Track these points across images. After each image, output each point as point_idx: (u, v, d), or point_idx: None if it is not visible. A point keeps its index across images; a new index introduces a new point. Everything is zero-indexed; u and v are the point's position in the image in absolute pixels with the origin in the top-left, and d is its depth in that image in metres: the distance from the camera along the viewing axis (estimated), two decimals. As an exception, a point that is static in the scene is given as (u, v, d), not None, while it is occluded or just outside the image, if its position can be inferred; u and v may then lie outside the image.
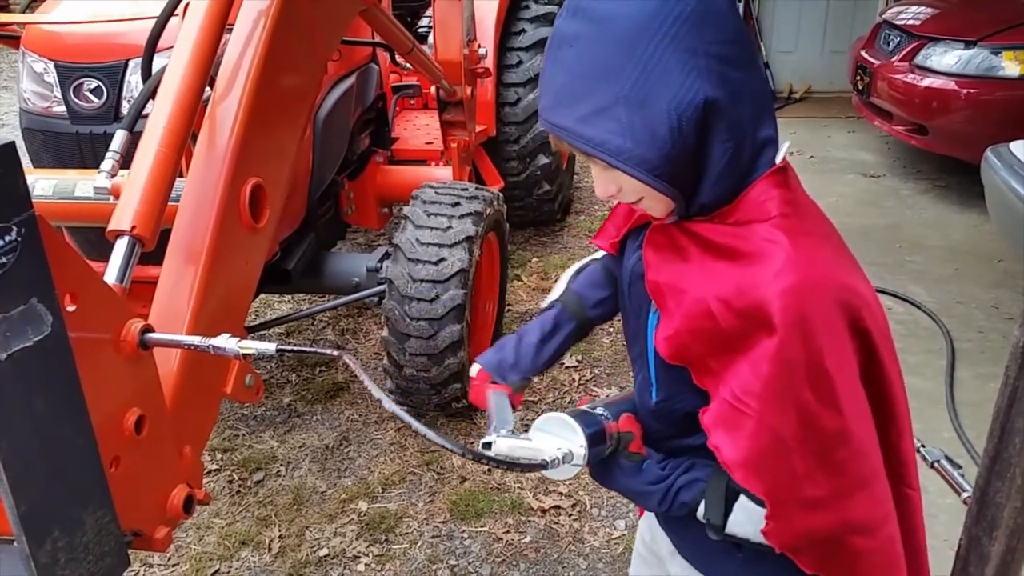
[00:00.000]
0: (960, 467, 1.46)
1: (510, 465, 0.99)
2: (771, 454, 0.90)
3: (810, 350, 0.87)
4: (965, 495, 1.45)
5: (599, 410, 1.10)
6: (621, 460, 1.06)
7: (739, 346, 0.90)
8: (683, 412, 1.04)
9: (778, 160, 0.94)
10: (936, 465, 1.59)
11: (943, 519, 2.23)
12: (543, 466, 0.98)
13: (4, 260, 0.78)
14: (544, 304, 1.36)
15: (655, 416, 1.10)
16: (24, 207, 0.80)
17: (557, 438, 1.02)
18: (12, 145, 0.79)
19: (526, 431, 1.07)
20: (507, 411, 1.14)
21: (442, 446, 0.91)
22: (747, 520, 0.97)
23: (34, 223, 0.81)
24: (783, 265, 0.87)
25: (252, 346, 1.05)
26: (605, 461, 1.07)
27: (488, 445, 1.02)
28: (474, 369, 1.28)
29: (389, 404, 0.91)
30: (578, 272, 1.38)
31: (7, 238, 0.78)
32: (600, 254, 1.38)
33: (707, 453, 0.99)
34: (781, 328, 0.86)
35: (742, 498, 0.96)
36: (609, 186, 0.96)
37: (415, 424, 0.91)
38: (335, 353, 1.03)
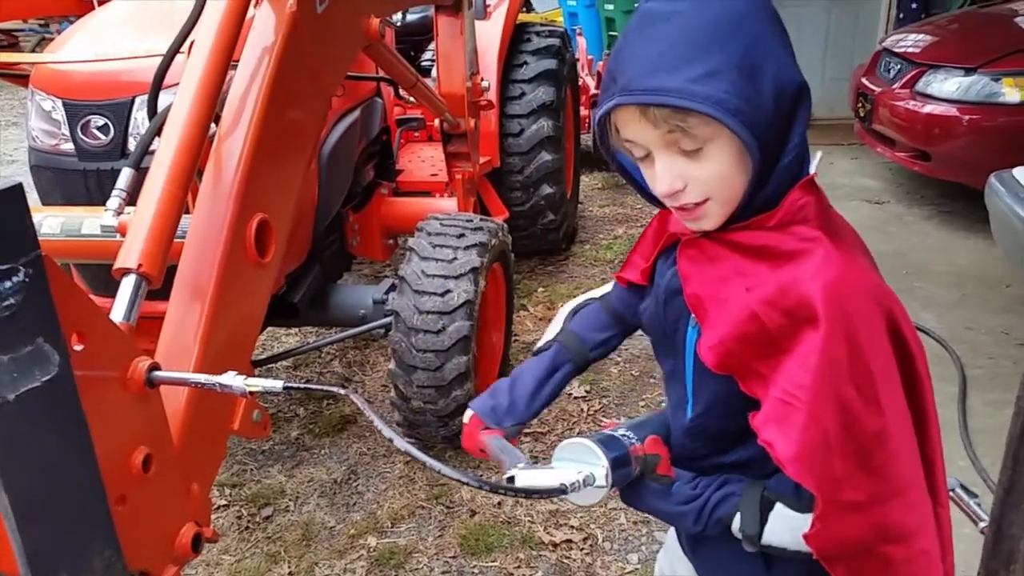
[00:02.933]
0: (976, 496, 1.43)
1: (528, 493, 0.96)
2: (820, 452, 0.89)
3: (852, 345, 0.88)
4: (982, 525, 1.42)
5: (623, 432, 1.07)
6: (650, 483, 1.04)
7: (786, 345, 0.90)
8: (718, 428, 1.04)
9: (811, 170, 0.96)
10: (952, 494, 1.56)
11: (960, 548, 2.18)
12: (562, 491, 0.95)
13: (11, 301, 0.78)
14: (540, 344, 1.33)
15: (690, 434, 1.09)
16: (31, 248, 0.80)
17: (579, 464, 1.00)
18: (20, 187, 0.79)
19: (537, 462, 1.05)
20: (512, 449, 1.11)
21: (456, 480, 0.90)
22: (784, 528, 0.96)
23: (41, 264, 0.81)
24: (824, 261, 0.89)
25: (259, 383, 1.04)
26: (634, 484, 1.05)
27: (512, 479, 0.99)
28: (467, 415, 1.25)
29: (400, 443, 0.91)
30: (575, 311, 1.36)
31: (14, 279, 0.78)
32: (598, 292, 1.37)
33: (741, 470, 0.98)
34: (825, 321, 0.87)
35: (778, 507, 0.96)
36: (677, 181, 0.94)
37: (426, 459, 0.89)
38: (342, 391, 1.02)
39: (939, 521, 1.00)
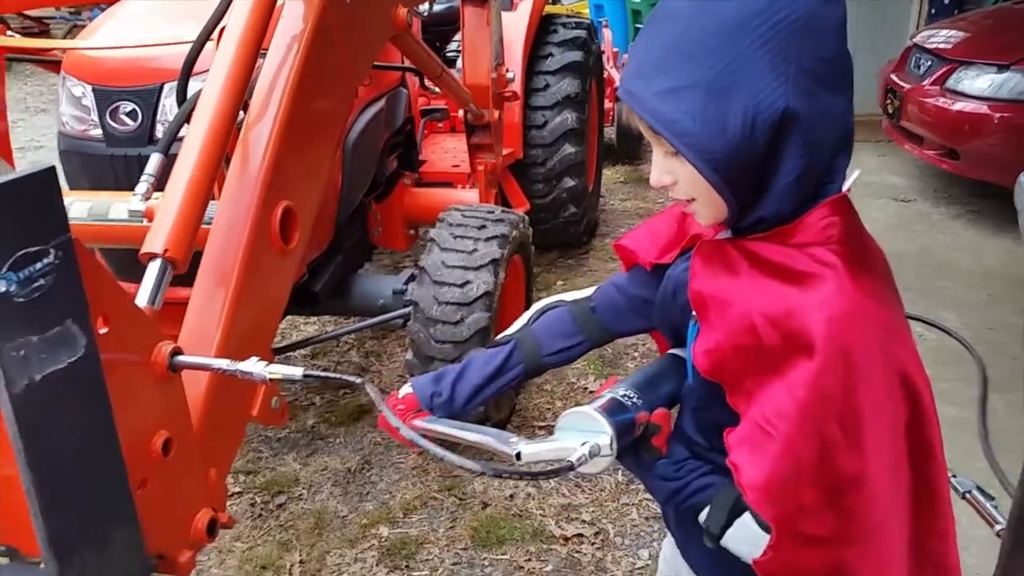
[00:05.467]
0: (993, 498, 1.42)
1: (535, 475, 0.95)
2: (790, 482, 0.88)
3: (846, 384, 0.85)
4: (999, 527, 1.40)
5: (625, 392, 1.04)
6: (640, 451, 1.02)
7: (778, 367, 0.88)
8: (714, 422, 1.02)
9: (844, 188, 0.92)
10: (968, 496, 1.54)
11: (974, 551, 2.15)
12: (570, 467, 0.93)
13: (42, 282, 0.79)
14: (499, 337, 1.30)
15: (694, 421, 1.08)
16: (62, 230, 0.81)
17: (583, 433, 0.97)
18: (52, 170, 0.80)
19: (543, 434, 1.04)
20: (478, 426, 1.08)
21: (462, 467, 0.89)
22: (743, 538, 0.94)
23: (71, 246, 0.82)
24: (835, 291, 0.85)
25: (279, 371, 1.05)
26: (627, 451, 1.03)
27: (519, 455, 0.96)
28: (403, 390, 1.22)
29: (408, 432, 0.91)
30: (541, 312, 1.32)
31: (45, 261, 0.79)
32: (570, 296, 1.33)
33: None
34: (821, 354, 0.84)
35: (746, 516, 0.94)
36: (664, 176, 0.94)
37: (434, 449, 0.90)
38: (358, 381, 1.02)
39: (943, 554, 0.98)
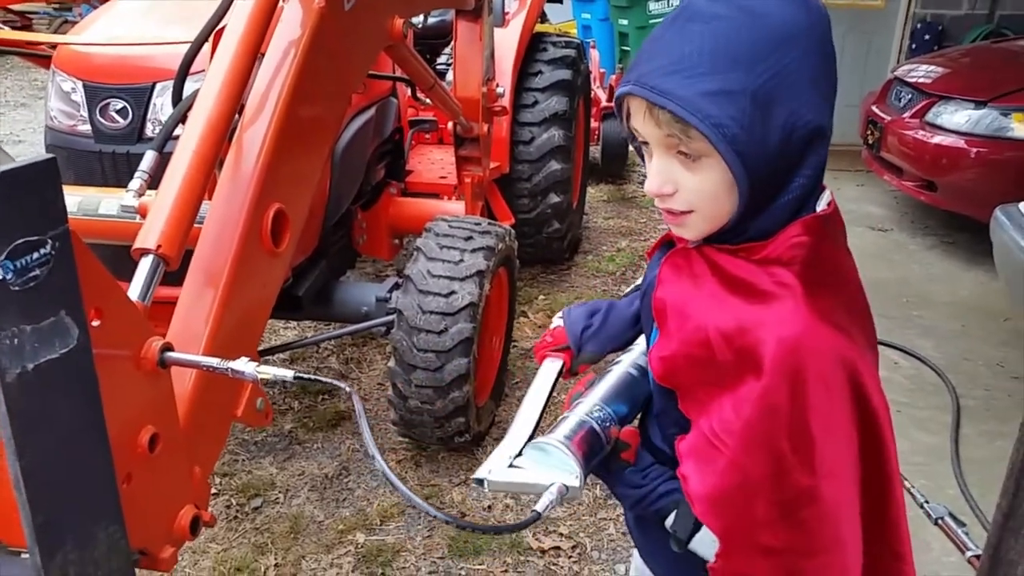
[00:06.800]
0: (964, 525, 1.45)
1: (498, 529, 0.97)
2: (737, 495, 0.90)
3: (796, 403, 0.86)
4: (970, 554, 1.43)
5: (598, 406, 1.05)
6: (609, 463, 1.04)
7: (728, 382, 0.90)
8: (674, 430, 1.04)
9: (819, 208, 0.94)
10: (940, 522, 1.58)
11: (945, 575, 2.20)
12: (536, 517, 0.93)
13: (37, 273, 0.79)
14: (630, 288, 1.31)
15: (658, 423, 1.09)
16: (60, 221, 0.82)
17: (551, 468, 0.97)
18: (54, 161, 0.80)
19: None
20: (525, 427, 1.09)
21: (426, 512, 0.93)
22: (710, 542, 0.95)
23: (68, 238, 0.83)
24: (789, 313, 0.87)
25: (270, 371, 1.06)
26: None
27: (481, 482, 0.98)
28: (556, 321, 1.22)
29: (380, 464, 0.95)
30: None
31: (42, 251, 0.80)
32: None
33: None
34: (769, 374, 0.86)
35: None
36: (667, 185, 0.92)
37: (401, 488, 0.94)
38: (348, 388, 1.04)
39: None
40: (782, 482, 0.88)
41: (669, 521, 1.01)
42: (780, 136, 0.85)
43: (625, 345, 1.22)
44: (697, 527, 0.97)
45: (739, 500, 0.90)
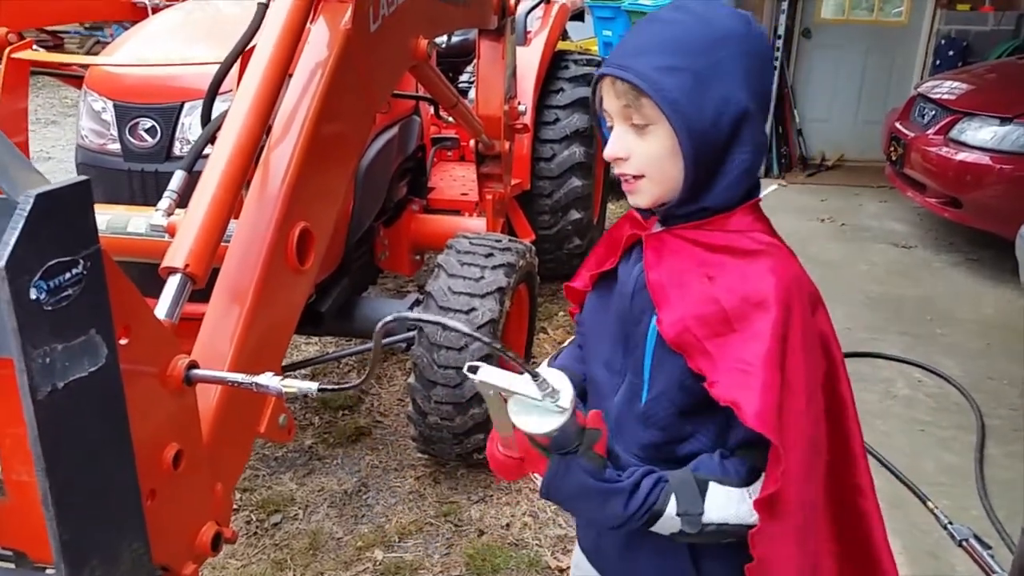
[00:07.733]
0: (990, 547, 1.42)
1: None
2: (781, 403, 0.99)
3: (791, 333, 1.01)
4: (995, 577, 1.40)
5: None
6: (582, 460, 1.00)
7: (739, 326, 1.02)
8: (667, 412, 1.09)
9: (760, 196, 1.12)
10: (965, 544, 1.55)
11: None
12: (535, 375, 0.91)
13: (70, 292, 0.81)
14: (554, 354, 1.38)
15: (644, 420, 1.11)
16: (92, 241, 0.84)
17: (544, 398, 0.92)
18: (87, 184, 0.83)
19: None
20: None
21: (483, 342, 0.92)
22: (725, 502, 1.02)
23: (99, 258, 0.84)
24: (779, 261, 1.06)
25: (295, 385, 1.07)
26: (563, 462, 1.00)
27: (473, 368, 0.92)
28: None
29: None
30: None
31: (74, 271, 0.81)
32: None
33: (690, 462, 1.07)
34: (775, 307, 1.01)
35: (713, 485, 1.03)
36: (620, 150, 1.08)
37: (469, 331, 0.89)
38: (356, 383, 1.02)
39: (863, 512, 1.12)
40: (815, 392, 1.04)
41: (671, 508, 1.02)
42: (714, 109, 1.02)
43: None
44: (704, 490, 1.03)
45: (784, 408, 1.00)
